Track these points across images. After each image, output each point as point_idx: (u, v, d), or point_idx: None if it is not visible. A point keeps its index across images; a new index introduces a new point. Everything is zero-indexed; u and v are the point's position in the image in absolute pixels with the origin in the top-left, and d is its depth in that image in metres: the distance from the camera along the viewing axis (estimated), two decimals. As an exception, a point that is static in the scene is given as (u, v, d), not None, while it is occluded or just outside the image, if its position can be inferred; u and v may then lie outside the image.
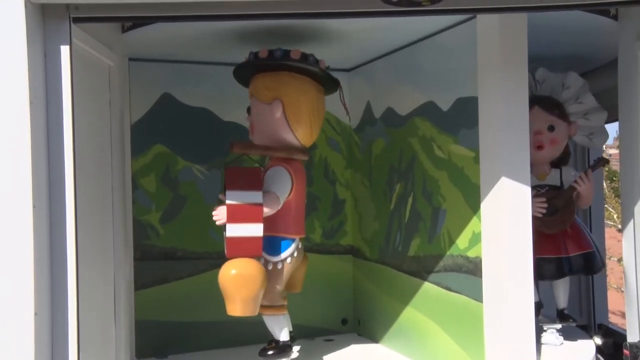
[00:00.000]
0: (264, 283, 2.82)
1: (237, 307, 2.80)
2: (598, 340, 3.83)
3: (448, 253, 3.06)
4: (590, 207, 4.06)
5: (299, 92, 3.00)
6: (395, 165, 3.52)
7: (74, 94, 2.21)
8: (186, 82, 3.64)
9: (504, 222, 2.69)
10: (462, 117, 2.93)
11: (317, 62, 3.01)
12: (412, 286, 3.35)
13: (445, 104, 3.05)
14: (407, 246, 3.42)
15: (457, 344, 2.97)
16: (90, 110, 2.60)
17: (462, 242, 2.95)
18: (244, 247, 2.79)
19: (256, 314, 2.87)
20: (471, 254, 2.89)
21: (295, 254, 3.06)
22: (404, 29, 3.09)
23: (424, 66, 3.22)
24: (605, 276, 4.38)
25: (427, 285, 3.23)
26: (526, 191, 2.71)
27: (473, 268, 2.87)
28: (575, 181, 3.34)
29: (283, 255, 3.02)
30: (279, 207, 2.90)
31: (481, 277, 2.80)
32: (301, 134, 3.04)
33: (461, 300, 2.94)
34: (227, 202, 2.79)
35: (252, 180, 2.83)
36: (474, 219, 2.85)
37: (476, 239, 2.85)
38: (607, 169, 9.53)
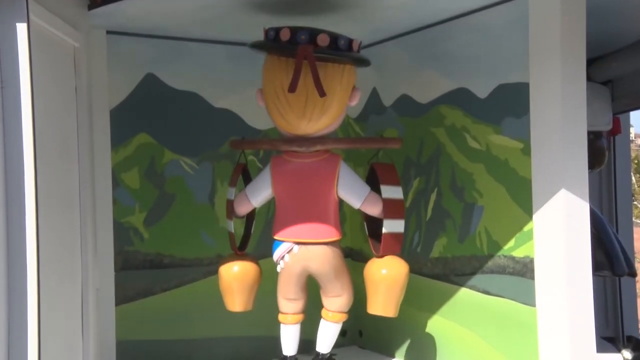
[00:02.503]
0: (235, 281, 2.99)
1: None
2: (627, 355, 3.84)
3: (486, 253, 3.00)
4: (615, 204, 4.18)
5: (264, 74, 2.85)
6: (412, 158, 3.44)
7: (33, 80, 2.11)
8: (173, 61, 3.45)
9: (561, 218, 2.65)
10: (506, 105, 2.87)
11: (276, 34, 2.75)
12: (436, 291, 3.29)
13: (482, 91, 3.00)
14: (429, 247, 3.34)
15: (501, 352, 2.92)
16: (52, 98, 2.52)
17: (506, 240, 2.90)
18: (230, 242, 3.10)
19: (238, 310, 3.02)
20: (518, 253, 2.84)
21: (288, 259, 2.90)
22: (431, 7, 3.01)
23: (453, 49, 3.15)
24: (634, 283, 4.35)
25: (457, 290, 3.17)
26: (584, 184, 2.70)
27: (521, 269, 2.83)
28: None
29: (274, 257, 2.95)
30: (251, 206, 3.01)
31: (533, 278, 2.76)
32: (275, 121, 2.88)
33: (506, 305, 2.90)
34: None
35: (232, 177, 3.07)
36: (523, 215, 2.81)
37: (525, 237, 2.80)
38: (635, 161, 8.96)
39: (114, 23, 3.16)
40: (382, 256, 2.97)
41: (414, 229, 3.45)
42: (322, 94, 2.68)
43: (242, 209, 3.03)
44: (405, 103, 3.50)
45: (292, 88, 2.66)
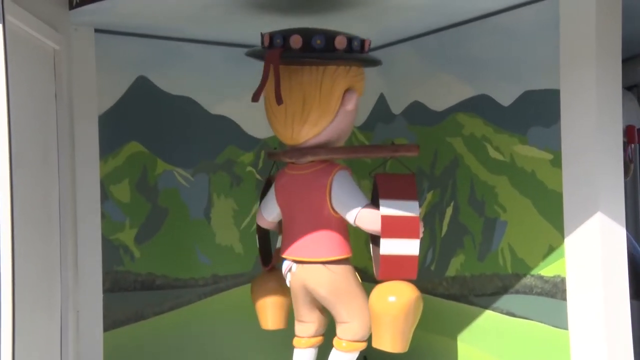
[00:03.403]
0: (267, 299, 3.01)
1: None
2: None
3: (511, 272, 2.90)
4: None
5: None
6: (425, 170, 3.33)
7: (9, 85, 2.07)
8: (167, 63, 3.40)
9: (597, 233, 2.55)
10: (533, 113, 2.79)
11: (262, 40, 2.72)
12: (452, 313, 3.19)
13: (506, 98, 2.91)
14: (444, 265, 3.24)
15: (529, 380, 2.82)
16: (29, 104, 2.55)
17: (533, 258, 2.81)
18: None
19: (270, 328, 3.05)
20: (547, 272, 2.74)
21: (289, 277, 2.82)
22: (449, 7, 2.92)
23: (473, 52, 3.06)
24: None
25: (477, 311, 3.06)
26: (620, 197, 2.61)
27: (551, 289, 2.73)
28: None
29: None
30: (265, 220, 3.02)
31: (565, 299, 2.66)
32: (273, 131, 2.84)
33: (533, 328, 2.80)
34: None
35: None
36: (552, 230, 2.71)
37: (556, 254, 2.71)
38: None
39: (102, 21, 3.06)
40: (382, 281, 2.70)
41: (427, 246, 3.34)
42: (279, 101, 2.58)
43: (261, 223, 3.06)
44: (417, 110, 3.41)
45: (255, 97, 2.59)
